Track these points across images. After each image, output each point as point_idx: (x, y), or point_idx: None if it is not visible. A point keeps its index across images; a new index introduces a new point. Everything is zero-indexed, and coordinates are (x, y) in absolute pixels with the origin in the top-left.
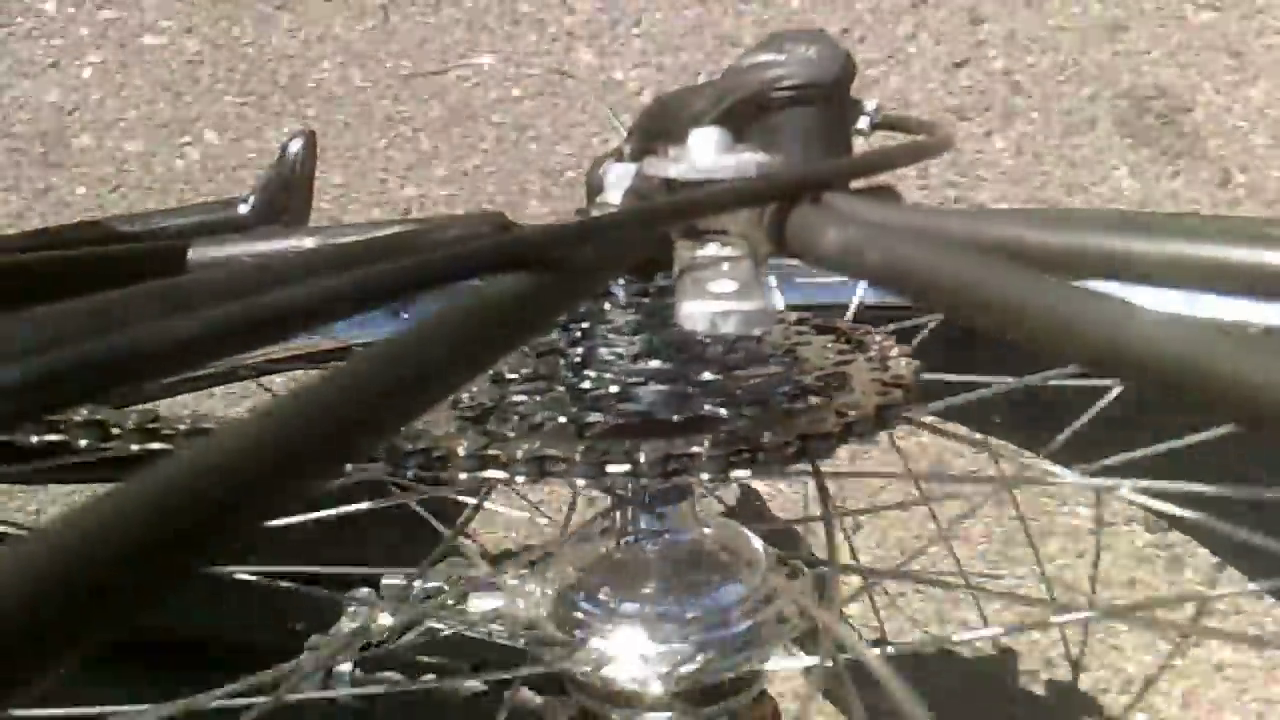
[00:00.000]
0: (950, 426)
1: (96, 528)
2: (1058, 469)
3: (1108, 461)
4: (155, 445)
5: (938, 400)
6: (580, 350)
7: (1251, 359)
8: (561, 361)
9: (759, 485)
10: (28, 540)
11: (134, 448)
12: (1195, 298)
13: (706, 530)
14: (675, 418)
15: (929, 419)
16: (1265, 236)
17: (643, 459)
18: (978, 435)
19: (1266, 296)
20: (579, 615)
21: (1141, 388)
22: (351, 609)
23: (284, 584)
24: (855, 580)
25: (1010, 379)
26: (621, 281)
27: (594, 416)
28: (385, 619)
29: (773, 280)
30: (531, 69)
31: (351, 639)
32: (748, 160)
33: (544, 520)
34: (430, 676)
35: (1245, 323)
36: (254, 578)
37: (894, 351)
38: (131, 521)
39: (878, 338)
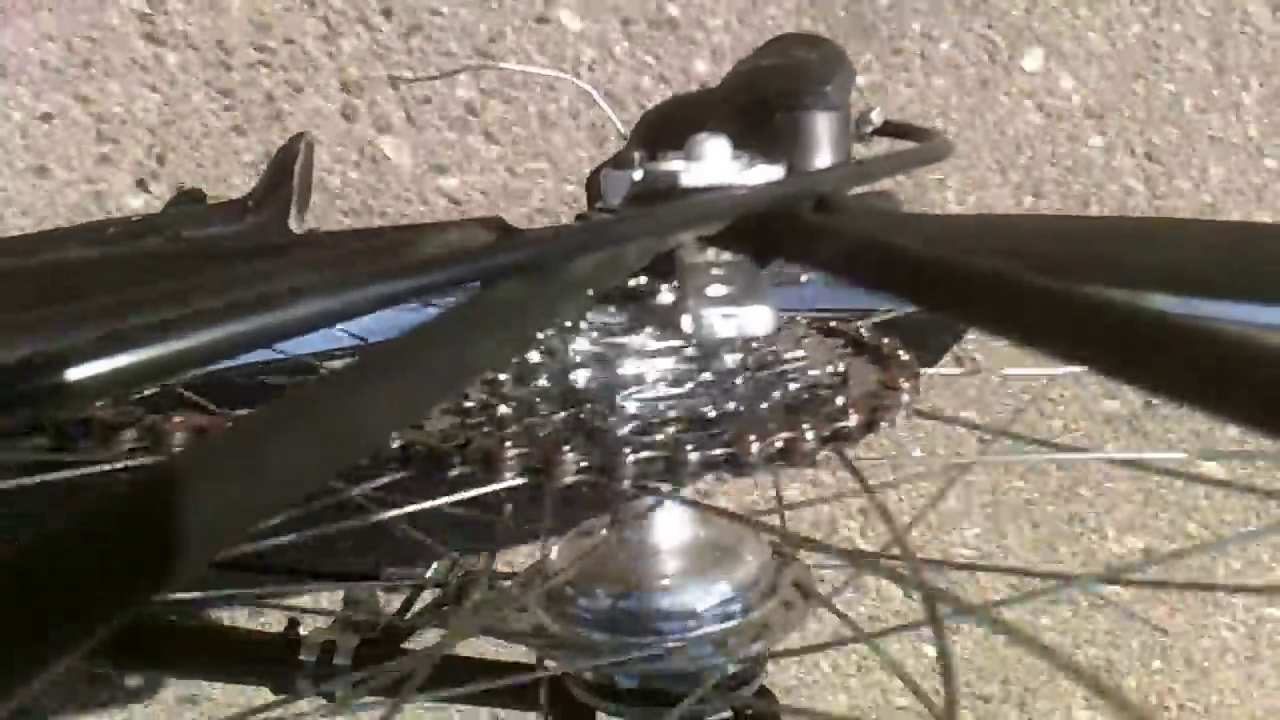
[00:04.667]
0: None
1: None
2: None
3: None
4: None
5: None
6: (576, 350)
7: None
8: (557, 361)
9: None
10: None
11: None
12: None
13: (704, 523)
14: (675, 417)
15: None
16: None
17: (643, 457)
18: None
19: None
20: (578, 612)
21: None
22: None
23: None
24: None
25: None
26: (621, 284)
27: (588, 415)
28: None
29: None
30: (533, 73)
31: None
32: (749, 166)
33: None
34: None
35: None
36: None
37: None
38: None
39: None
